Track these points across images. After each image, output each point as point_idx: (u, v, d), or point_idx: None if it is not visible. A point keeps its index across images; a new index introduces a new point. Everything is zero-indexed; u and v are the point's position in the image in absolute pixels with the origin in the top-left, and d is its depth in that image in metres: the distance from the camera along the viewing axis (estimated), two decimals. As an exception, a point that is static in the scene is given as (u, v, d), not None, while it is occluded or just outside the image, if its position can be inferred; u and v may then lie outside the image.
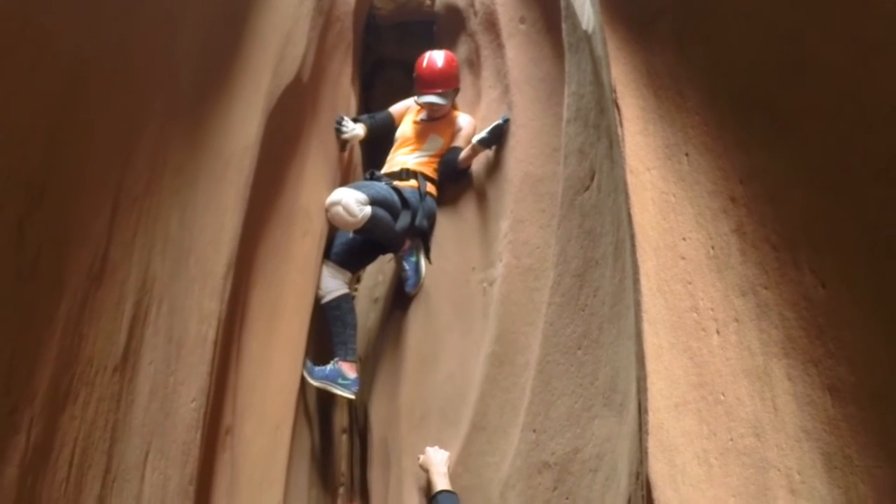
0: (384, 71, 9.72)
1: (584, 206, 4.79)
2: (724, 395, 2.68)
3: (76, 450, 2.85)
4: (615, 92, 3.73)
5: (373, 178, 7.75)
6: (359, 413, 7.66)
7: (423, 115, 8.01)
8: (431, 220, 7.78)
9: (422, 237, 7.68)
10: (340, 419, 7.37)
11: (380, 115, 8.39)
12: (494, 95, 7.25)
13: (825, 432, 2.30)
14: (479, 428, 5.97)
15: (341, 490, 7.40)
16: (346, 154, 7.96)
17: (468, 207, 7.24)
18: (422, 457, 6.22)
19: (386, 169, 7.93)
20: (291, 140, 6.36)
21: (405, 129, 8.11)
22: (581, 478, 4.45)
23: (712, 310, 2.79)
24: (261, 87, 5.33)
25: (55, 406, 2.68)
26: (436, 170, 7.86)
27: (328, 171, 7.36)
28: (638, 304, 3.11)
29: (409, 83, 7.84)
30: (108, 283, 3.10)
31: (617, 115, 3.67)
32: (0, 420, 2.35)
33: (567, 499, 4.56)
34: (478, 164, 7.33)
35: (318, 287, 7.12)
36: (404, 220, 7.39)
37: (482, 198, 6.99)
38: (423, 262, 7.63)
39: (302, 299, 6.62)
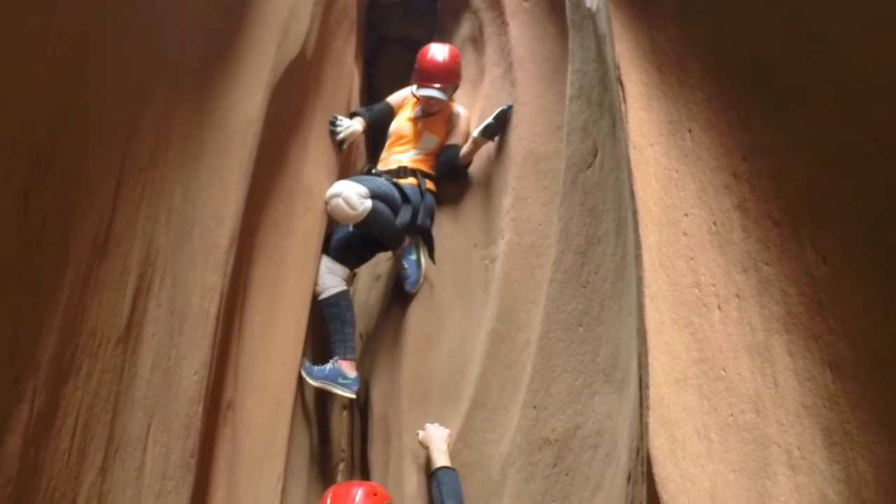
0: (387, 48, 9.71)
1: (586, 183, 4.79)
2: (724, 371, 2.69)
3: (79, 421, 2.85)
4: (619, 68, 3.73)
5: (372, 174, 7.63)
6: (359, 390, 7.66)
7: (417, 110, 7.92)
8: (431, 217, 7.68)
9: (423, 236, 7.56)
10: (341, 395, 7.36)
11: (378, 107, 8.28)
12: (498, 73, 7.24)
13: (825, 408, 2.30)
14: (479, 405, 5.98)
15: (341, 466, 7.41)
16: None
17: (470, 185, 7.26)
18: (421, 433, 6.23)
19: (382, 167, 7.82)
20: (295, 116, 6.35)
21: (400, 126, 7.98)
22: (581, 454, 4.46)
23: (714, 285, 2.80)
24: (265, 62, 5.32)
25: (59, 376, 2.69)
26: (433, 166, 7.78)
27: (331, 148, 7.40)
28: (640, 280, 3.11)
29: (412, 60, 7.78)
30: (112, 254, 3.11)
31: (620, 92, 3.67)
32: (4, 389, 2.36)
33: (567, 475, 4.58)
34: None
35: (314, 283, 7.06)
36: (405, 215, 7.29)
37: (484, 175, 6.99)
38: (423, 259, 7.56)
39: (304, 275, 6.63)
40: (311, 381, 6.71)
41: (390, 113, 8.22)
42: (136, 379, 3.39)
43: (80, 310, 2.83)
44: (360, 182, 7.09)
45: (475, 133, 7.14)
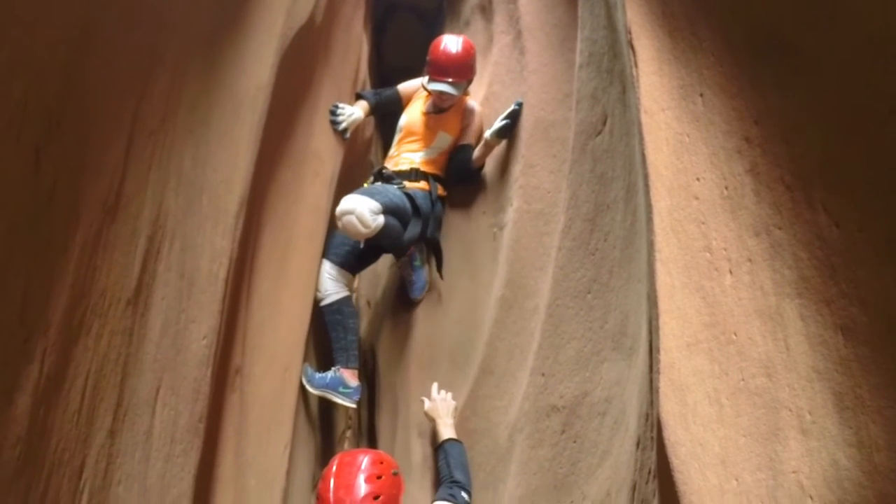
0: (396, 16, 9.67)
1: (595, 150, 4.78)
2: (736, 335, 2.68)
3: (88, 382, 2.86)
4: (630, 33, 3.71)
5: (382, 176, 7.31)
6: (367, 357, 7.67)
7: (430, 104, 7.58)
8: (440, 225, 7.42)
9: (433, 248, 7.33)
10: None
11: (386, 93, 8.02)
12: (507, 41, 7.20)
13: (837, 372, 2.30)
14: (487, 372, 6.00)
15: (348, 433, 7.43)
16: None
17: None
18: (427, 403, 6.24)
19: (392, 165, 7.51)
20: (304, 82, 6.35)
21: (412, 120, 7.65)
22: (589, 421, 4.46)
23: (725, 250, 2.79)
24: (274, 27, 5.32)
25: (69, 337, 2.69)
26: (444, 167, 7.51)
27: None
28: (651, 244, 3.10)
29: (421, 28, 7.71)
30: (122, 216, 3.10)
31: (632, 57, 3.65)
32: (14, 349, 2.36)
33: (575, 442, 4.58)
34: (490, 109, 7.24)
35: (316, 288, 6.87)
36: (413, 231, 6.99)
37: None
38: (428, 267, 7.45)
39: (312, 242, 6.64)
40: (311, 389, 6.59)
41: (398, 101, 7.97)
42: (145, 342, 3.40)
43: (90, 270, 2.83)
44: (372, 196, 6.73)
45: (488, 134, 6.95)
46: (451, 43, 7.30)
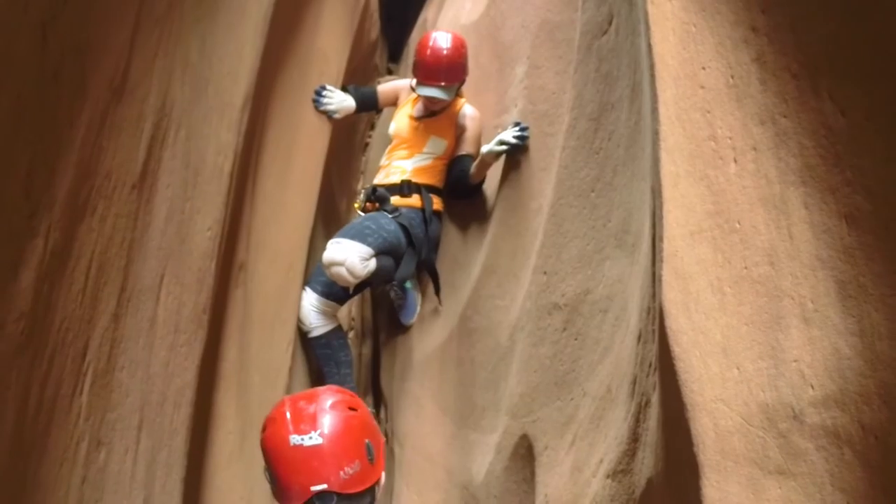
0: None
1: (601, 50, 4.75)
2: (739, 224, 2.68)
3: (93, 263, 2.87)
4: (636, -75, 3.68)
5: (375, 195, 6.85)
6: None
7: (419, 107, 7.07)
8: (437, 245, 6.99)
9: (429, 271, 6.90)
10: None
11: (364, 90, 7.42)
12: (512, -56, 7.12)
13: (840, 261, 2.31)
14: (490, 271, 6.02)
15: (351, 333, 7.48)
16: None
17: (483, 54, 7.05)
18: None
19: (383, 177, 7.03)
20: (310, -20, 6.30)
21: (401, 126, 7.13)
22: (591, 318, 4.48)
23: (730, 138, 2.78)
24: (282, -80, 5.26)
25: (74, 216, 2.69)
26: (441, 176, 7.01)
27: (346, 13, 7.22)
28: (656, 134, 3.09)
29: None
30: (128, 98, 3.09)
31: (638, -53, 3.63)
32: (19, 224, 2.36)
33: (576, 339, 4.60)
34: (496, 11, 7.06)
35: (298, 318, 6.41)
36: (406, 268, 6.61)
37: (498, 45, 6.88)
38: (418, 293, 7.12)
39: (317, 141, 6.60)
40: None
41: (374, 102, 7.47)
42: (150, 228, 3.41)
43: (96, 150, 2.83)
44: (364, 239, 6.28)
45: (485, 150, 6.40)
46: (439, 42, 6.80)
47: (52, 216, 2.52)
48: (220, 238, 4.22)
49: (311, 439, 3.21)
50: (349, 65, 7.39)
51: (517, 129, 6.03)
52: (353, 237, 6.28)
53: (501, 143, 6.14)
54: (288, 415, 3.29)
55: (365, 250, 6.22)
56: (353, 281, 6.21)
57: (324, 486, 3.18)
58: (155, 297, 3.51)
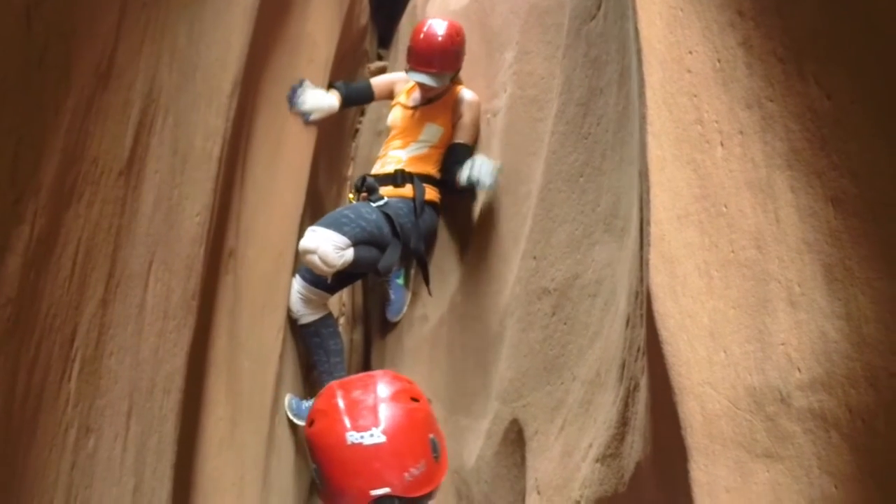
0: None
1: (590, 34, 4.75)
2: (726, 207, 2.69)
3: (80, 249, 2.85)
4: None
5: (365, 185, 6.76)
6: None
7: (415, 95, 7.06)
8: (431, 237, 6.92)
9: (419, 262, 6.87)
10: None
11: (357, 86, 7.33)
12: (503, -74, 7.11)
13: (827, 244, 2.31)
14: (479, 257, 6.04)
15: (342, 320, 7.48)
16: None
17: (472, 40, 7.03)
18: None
19: (378, 167, 6.96)
20: (298, -36, 6.28)
21: (397, 115, 7.13)
22: (580, 303, 4.49)
23: (717, 122, 2.79)
24: None
25: (60, 202, 2.68)
26: (437, 165, 6.89)
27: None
28: (643, 118, 3.10)
29: None
30: (114, 84, 3.07)
31: (626, -68, 3.63)
32: (4, 209, 2.35)
33: (565, 324, 4.62)
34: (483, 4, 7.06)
35: (287, 307, 6.37)
36: (390, 258, 6.43)
37: (487, 30, 6.87)
38: (411, 284, 7.11)
39: (306, 129, 6.55)
40: (298, 422, 6.17)
41: (369, 96, 7.41)
42: (137, 214, 3.39)
43: (82, 135, 2.81)
44: (340, 227, 6.19)
45: (462, 179, 6.21)
46: (434, 28, 6.74)
47: (37, 201, 2.51)
48: (209, 224, 4.21)
49: (372, 437, 2.86)
50: (339, 50, 7.37)
51: (495, 168, 5.99)
52: (328, 226, 6.22)
53: (474, 181, 6.07)
54: (342, 407, 2.96)
55: (340, 239, 6.13)
56: (327, 270, 6.13)
57: (386, 490, 2.84)
58: (143, 284, 3.50)
